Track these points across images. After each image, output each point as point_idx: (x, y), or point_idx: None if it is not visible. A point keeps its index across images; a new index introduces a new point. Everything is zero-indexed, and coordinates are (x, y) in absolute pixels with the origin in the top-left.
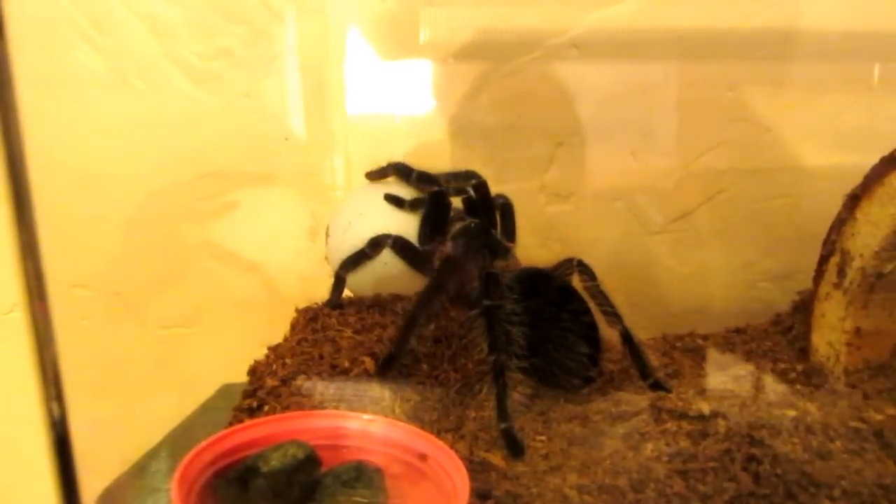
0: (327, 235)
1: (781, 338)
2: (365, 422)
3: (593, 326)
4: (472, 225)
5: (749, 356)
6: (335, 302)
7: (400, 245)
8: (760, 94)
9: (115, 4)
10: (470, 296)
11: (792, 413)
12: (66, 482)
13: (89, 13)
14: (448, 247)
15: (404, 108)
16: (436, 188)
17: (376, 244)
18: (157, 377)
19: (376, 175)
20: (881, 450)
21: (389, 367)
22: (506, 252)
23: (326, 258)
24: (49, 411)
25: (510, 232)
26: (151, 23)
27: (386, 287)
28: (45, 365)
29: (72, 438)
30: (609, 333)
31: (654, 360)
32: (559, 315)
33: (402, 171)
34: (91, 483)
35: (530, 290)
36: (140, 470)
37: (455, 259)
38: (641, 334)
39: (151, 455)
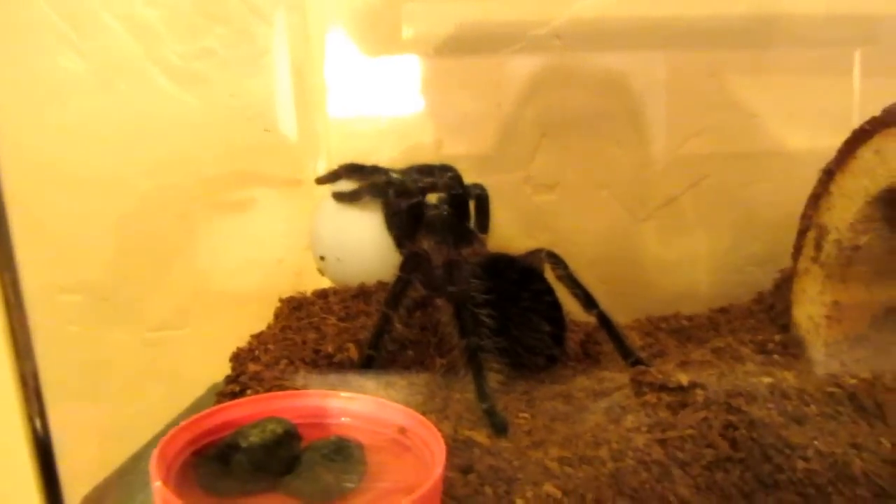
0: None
1: (764, 315)
2: (345, 399)
3: (556, 306)
4: (445, 213)
5: (734, 333)
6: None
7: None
8: (742, 79)
9: (95, 7)
10: (437, 283)
11: (768, 380)
12: (49, 487)
13: (69, 16)
14: (420, 235)
15: (388, 102)
16: (384, 178)
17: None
18: (148, 380)
19: (326, 179)
20: (855, 412)
21: (369, 367)
22: (473, 240)
23: (319, 270)
24: (30, 419)
25: (484, 222)
26: (132, 25)
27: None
28: (24, 372)
29: (55, 444)
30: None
31: (638, 340)
32: (522, 295)
33: (353, 171)
34: (78, 487)
35: (495, 273)
36: (128, 469)
37: (418, 253)
38: (628, 319)
39: (140, 454)
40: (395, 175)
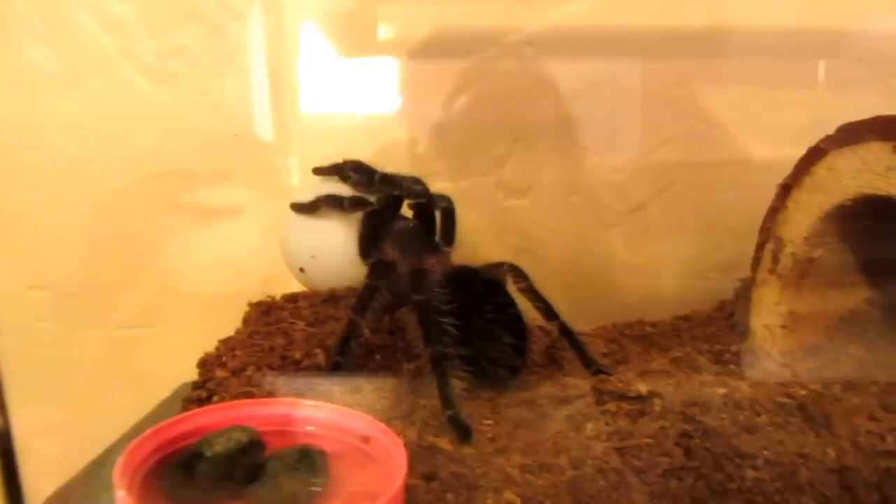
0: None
1: (724, 323)
2: (310, 407)
3: (519, 318)
4: (412, 225)
5: (693, 341)
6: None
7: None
8: (709, 89)
9: (68, 2)
10: (403, 292)
11: (722, 391)
12: (10, 486)
13: (42, 11)
14: (387, 245)
15: (362, 105)
16: (395, 192)
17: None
18: (115, 378)
19: (326, 171)
20: (804, 422)
21: (336, 372)
22: (438, 251)
23: (305, 285)
24: None
25: (450, 235)
26: (106, 21)
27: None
28: None
29: (20, 443)
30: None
31: (601, 347)
32: (485, 308)
33: (361, 172)
34: (42, 487)
35: (459, 285)
36: (93, 469)
37: (385, 261)
38: (594, 324)
39: (107, 454)
40: (403, 181)
